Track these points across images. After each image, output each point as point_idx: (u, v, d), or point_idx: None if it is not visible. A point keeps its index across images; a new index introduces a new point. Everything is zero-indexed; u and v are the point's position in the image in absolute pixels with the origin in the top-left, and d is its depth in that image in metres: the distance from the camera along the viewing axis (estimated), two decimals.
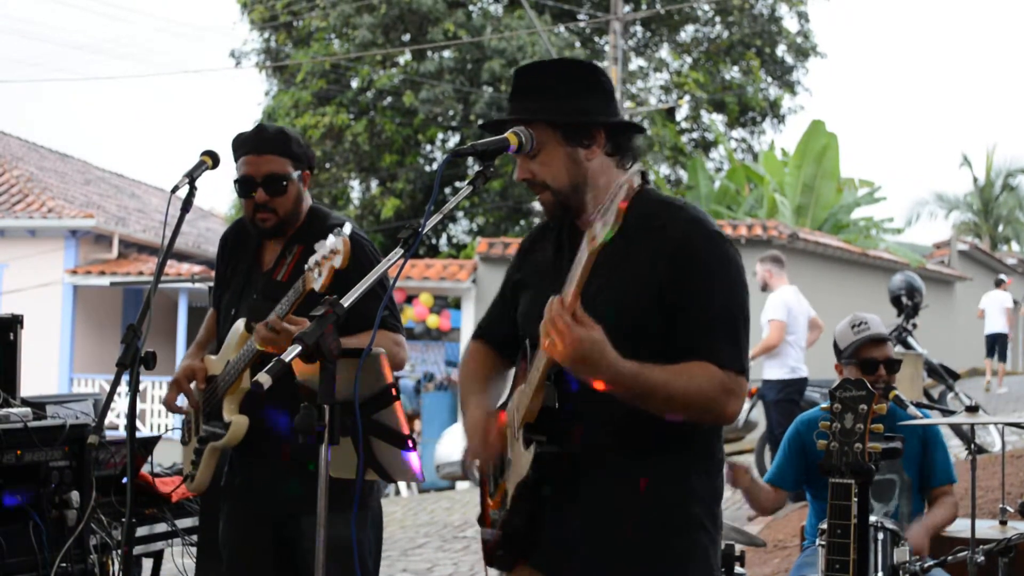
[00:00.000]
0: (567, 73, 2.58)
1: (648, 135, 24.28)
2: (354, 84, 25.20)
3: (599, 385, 2.24)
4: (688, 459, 2.46)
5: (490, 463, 2.58)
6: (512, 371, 2.69)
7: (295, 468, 3.23)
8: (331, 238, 2.84)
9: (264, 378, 2.19)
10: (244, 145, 3.38)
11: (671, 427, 2.39)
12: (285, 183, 3.36)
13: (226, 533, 3.48)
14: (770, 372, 8.92)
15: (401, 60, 25.78)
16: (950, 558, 3.84)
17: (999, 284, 18.14)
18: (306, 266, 2.97)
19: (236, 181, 3.38)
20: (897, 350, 9.53)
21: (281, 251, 3.43)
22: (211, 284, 3.70)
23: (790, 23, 27.78)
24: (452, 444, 16.18)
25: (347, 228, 2.88)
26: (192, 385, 3.45)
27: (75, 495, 3.71)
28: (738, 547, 3.96)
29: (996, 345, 17.46)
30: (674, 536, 2.43)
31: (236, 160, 3.41)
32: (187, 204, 3.26)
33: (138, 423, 3.43)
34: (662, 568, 2.42)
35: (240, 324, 3.36)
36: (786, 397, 8.83)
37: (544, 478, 2.40)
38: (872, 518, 3.67)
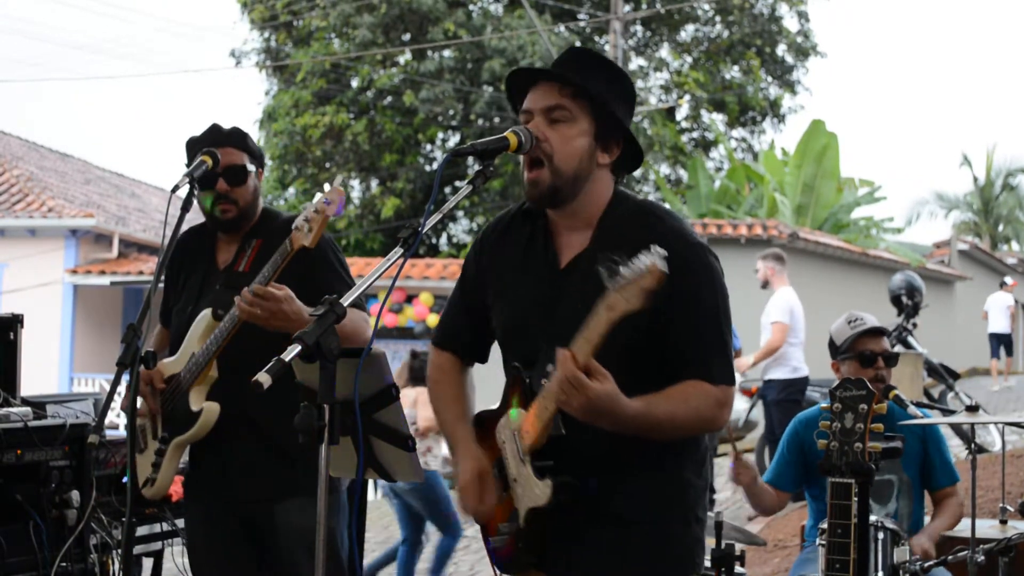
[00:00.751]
0: (618, 74, 2.57)
1: (648, 135, 24.29)
2: (354, 84, 25.19)
3: (611, 429, 2.33)
4: (680, 462, 2.56)
5: (483, 514, 2.60)
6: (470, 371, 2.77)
7: (267, 452, 3.25)
8: (326, 187, 2.91)
9: (264, 378, 2.18)
10: (201, 141, 3.43)
11: (660, 449, 2.50)
12: (245, 174, 3.40)
13: (194, 526, 3.48)
14: (772, 372, 8.91)
15: (401, 60, 25.78)
16: (950, 558, 3.84)
17: (1003, 286, 18.69)
18: (294, 226, 2.99)
19: (193, 180, 3.33)
20: (897, 350, 9.53)
21: (239, 247, 3.44)
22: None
23: (790, 23, 27.81)
24: None
25: (338, 179, 2.94)
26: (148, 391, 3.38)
27: (75, 494, 3.71)
28: (738, 547, 3.96)
29: (1000, 344, 17.97)
30: (673, 533, 2.54)
31: (192, 159, 3.41)
32: (187, 204, 3.28)
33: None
34: (670, 559, 2.53)
35: (204, 315, 3.32)
36: (788, 397, 8.84)
37: (560, 506, 2.45)
38: (872, 518, 3.66)
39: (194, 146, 3.44)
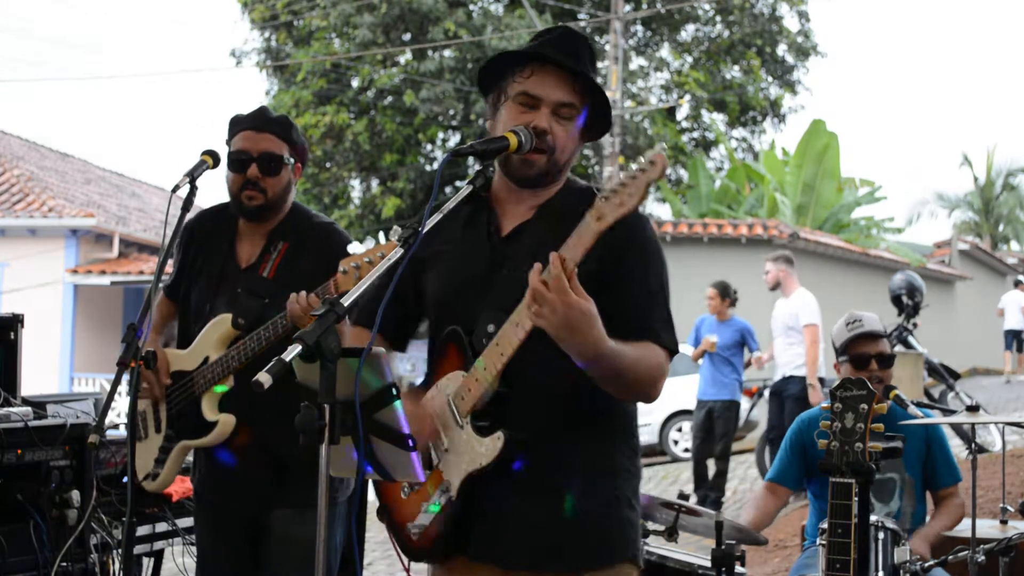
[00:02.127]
0: (591, 52, 2.56)
1: (649, 134, 24.28)
2: (355, 83, 25.19)
3: (580, 359, 2.25)
4: (614, 442, 2.53)
5: (423, 440, 2.47)
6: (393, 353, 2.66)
7: (271, 462, 3.25)
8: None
9: (264, 377, 2.18)
10: (244, 121, 3.34)
11: (601, 412, 2.48)
12: (280, 164, 3.32)
13: (202, 533, 3.47)
14: (797, 369, 9.01)
15: (402, 59, 25.78)
16: (951, 557, 3.84)
17: (1017, 284, 20.03)
18: (341, 268, 2.93)
19: (230, 155, 3.30)
20: (898, 349, 9.53)
21: (264, 246, 3.36)
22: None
23: (791, 22, 27.80)
24: None
25: (395, 233, 2.68)
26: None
27: (76, 494, 3.71)
28: (739, 546, 3.96)
29: (1015, 339, 19.51)
30: (607, 513, 2.48)
31: (232, 136, 3.35)
32: (188, 203, 3.24)
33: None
34: (603, 542, 2.48)
35: (224, 319, 3.27)
36: (801, 395, 8.92)
37: (506, 464, 2.38)
38: (873, 518, 3.66)
39: (237, 124, 3.35)
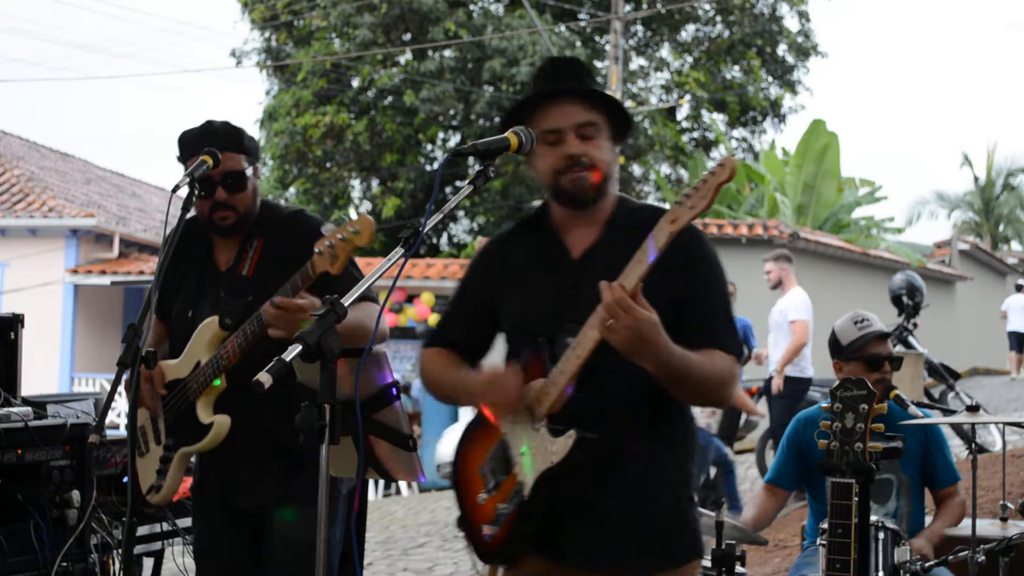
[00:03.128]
0: (584, 68, 2.70)
1: (649, 135, 24.28)
2: (355, 83, 25.19)
3: (649, 365, 2.37)
4: (684, 447, 2.66)
5: (511, 406, 2.53)
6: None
7: (270, 460, 3.24)
8: (353, 214, 2.86)
9: (264, 377, 2.18)
10: (196, 145, 3.29)
11: (673, 419, 2.62)
12: (244, 180, 3.31)
13: (204, 536, 3.46)
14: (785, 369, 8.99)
15: (402, 59, 25.79)
16: (951, 557, 3.84)
17: (1020, 289, 20.37)
18: (316, 250, 2.95)
19: (194, 180, 3.25)
20: (898, 349, 9.53)
21: (240, 247, 3.36)
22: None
23: (791, 22, 27.81)
24: (453, 443, 16.18)
25: (365, 206, 2.87)
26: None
27: (76, 494, 3.71)
28: (739, 546, 3.96)
29: (1019, 342, 19.83)
30: (680, 515, 2.62)
31: (186, 159, 3.32)
32: (188, 203, 3.25)
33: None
34: (677, 542, 2.61)
35: (211, 323, 3.27)
36: (789, 395, 8.89)
37: (579, 464, 2.46)
38: (873, 518, 3.66)
39: (187, 143, 3.33)
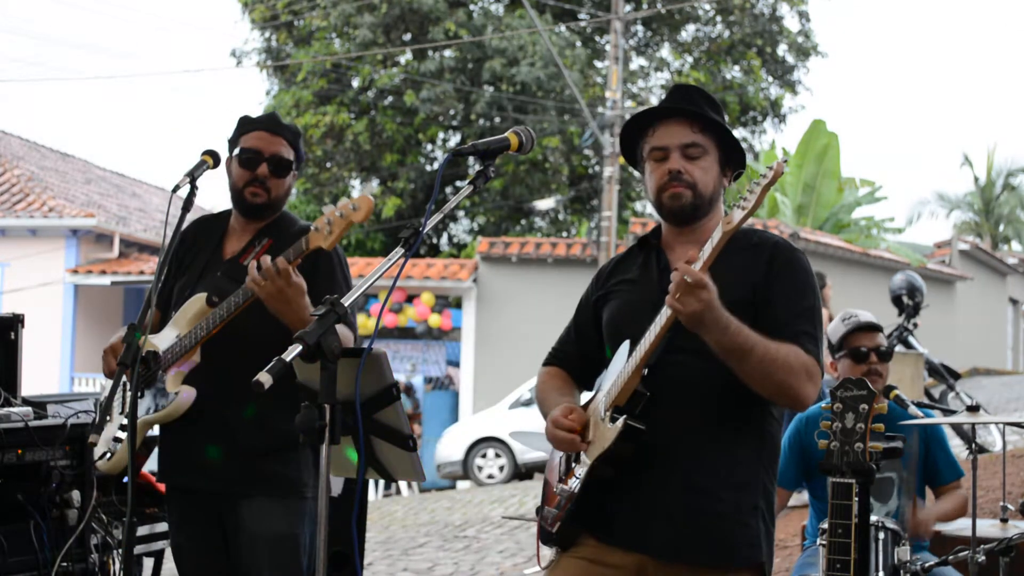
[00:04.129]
0: (717, 103, 2.80)
1: None
2: (355, 83, 25.20)
3: (708, 339, 2.46)
4: (757, 454, 2.69)
5: (565, 440, 2.66)
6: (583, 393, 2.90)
7: (235, 448, 3.22)
8: (354, 192, 2.88)
9: (265, 378, 2.18)
10: (257, 122, 3.40)
11: (745, 422, 2.65)
12: (287, 169, 3.38)
13: (172, 521, 3.42)
14: None
15: (402, 59, 25.79)
16: (951, 557, 3.84)
17: None
18: (313, 226, 2.98)
19: (242, 151, 3.34)
20: (898, 350, 9.53)
21: (250, 240, 3.40)
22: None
23: (791, 22, 27.82)
24: (452, 443, 16.21)
25: (371, 185, 2.91)
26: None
27: (76, 494, 3.72)
28: None
29: None
30: (739, 518, 2.63)
31: (243, 134, 3.39)
32: (188, 203, 3.24)
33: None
34: (731, 545, 2.62)
35: (198, 298, 3.28)
36: None
37: (627, 452, 2.55)
38: (873, 518, 3.66)
39: (249, 124, 3.40)
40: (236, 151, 3.37)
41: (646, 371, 2.58)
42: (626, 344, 2.65)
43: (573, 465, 2.70)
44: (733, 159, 2.80)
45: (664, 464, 2.60)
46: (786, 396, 2.59)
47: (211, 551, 3.31)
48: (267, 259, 3.04)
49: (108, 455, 3.32)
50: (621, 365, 2.63)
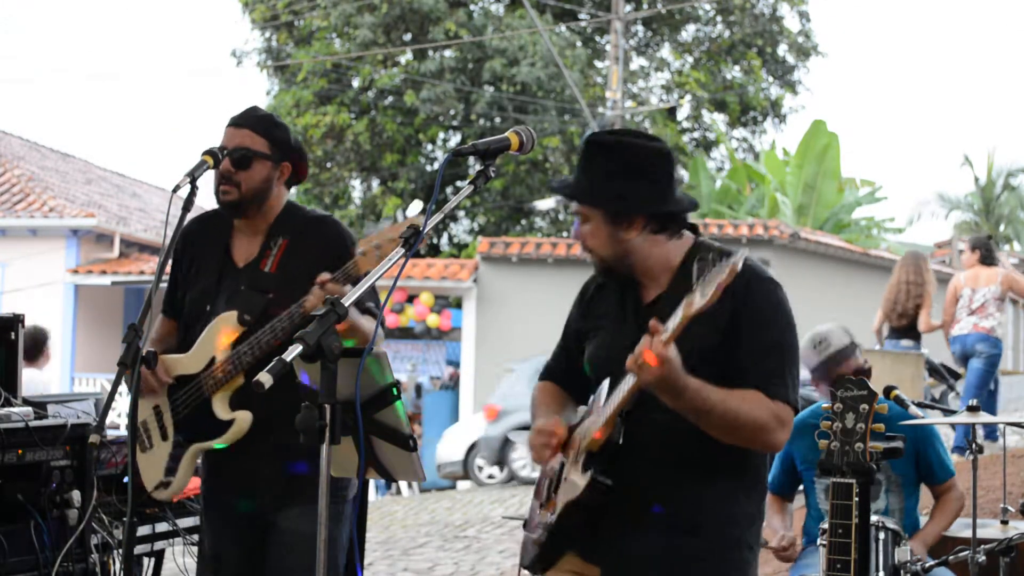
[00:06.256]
0: (621, 156, 2.74)
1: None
2: (355, 83, 25.20)
3: (669, 401, 2.49)
4: (739, 488, 2.70)
5: (545, 460, 2.74)
6: (579, 407, 2.93)
7: (280, 459, 3.21)
8: (399, 215, 2.88)
9: (265, 378, 2.19)
10: (229, 120, 3.34)
11: (723, 459, 2.65)
12: (251, 159, 3.27)
13: (212, 537, 3.41)
14: None
15: (402, 59, 25.80)
16: (951, 558, 3.84)
17: None
18: (360, 251, 2.95)
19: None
20: (898, 349, 9.51)
21: (263, 243, 3.34)
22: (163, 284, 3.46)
23: (791, 22, 27.81)
24: (453, 444, 16.21)
25: (414, 207, 2.88)
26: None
27: (76, 494, 3.71)
28: None
29: None
30: (725, 556, 2.67)
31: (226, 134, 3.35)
32: (188, 204, 3.23)
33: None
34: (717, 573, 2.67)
35: (228, 317, 3.23)
36: None
37: (596, 502, 2.59)
38: (873, 518, 3.67)
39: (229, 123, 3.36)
40: None
41: (619, 419, 2.61)
42: (606, 383, 2.68)
43: (553, 496, 2.73)
44: (630, 211, 2.75)
45: (642, 507, 2.65)
46: (755, 445, 2.63)
47: (250, 560, 3.30)
48: (319, 292, 3.01)
49: (163, 486, 3.29)
50: (602, 403, 2.66)
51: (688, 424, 2.57)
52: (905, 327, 9.22)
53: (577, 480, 2.61)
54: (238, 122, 3.31)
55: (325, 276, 3.02)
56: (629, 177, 2.74)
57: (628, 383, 2.53)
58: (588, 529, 2.68)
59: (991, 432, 8.75)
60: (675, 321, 2.43)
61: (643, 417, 2.61)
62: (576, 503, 2.61)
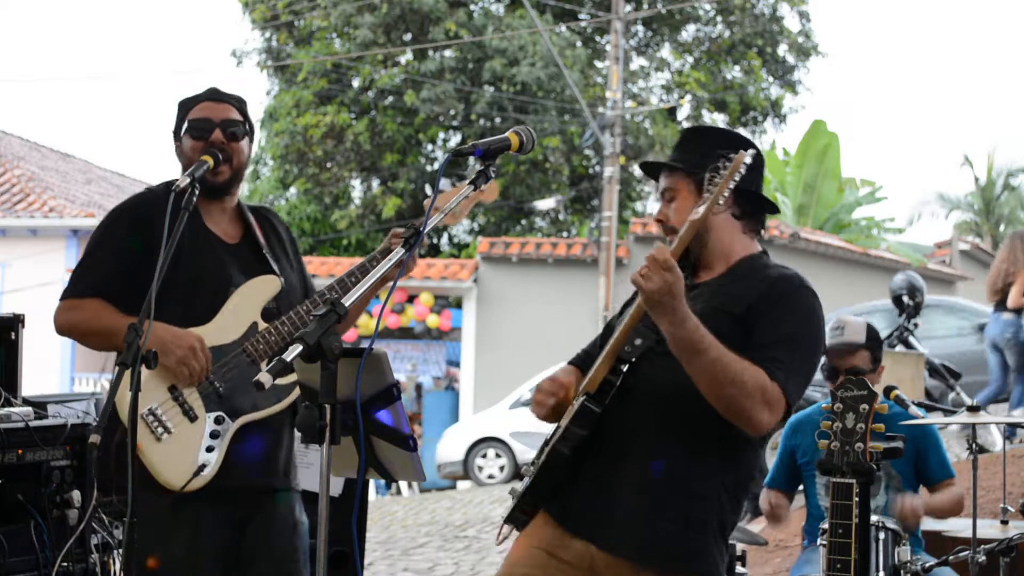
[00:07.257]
0: (719, 136, 2.86)
1: (649, 135, 24.29)
2: (355, 84, 25.20)
3: (663, 326, 2.50)
4: (718, 472, 2.68)
5: (544, 410, 2.76)
6: None
7: (289, 441, 3.20)
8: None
9: (265, 378, 2.19)
10: (198, 97, 3.25)
11: (714, 434, 2.63)
12: (243, 131, 3.23)
13: (193, 535, 3.19)
14: None
15: (402, 59, 25.79)
16: (951, 558, 3.84)
17: None
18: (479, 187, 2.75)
19: (190, 123, 3.18)
20: (899, 350, 9.53)
21: (244, 223, 3.29)
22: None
23: (791, 22, 27.79)
24: (453, 444, 16.22)
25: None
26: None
27: (76, 494, 3.71)
28: (739, 546, 3.97)
29: None
30: (685, 522, 2.63)
31: (187, 113, 3.24)
32: (188, 203, 3.22)
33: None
34: (673, 561, 2.62)
35: (269, 281, 3.17)
36: None
37: (581, 432, 2.60)
38: (874, 518, 3.67)
39: (190, 101, 3.26)
40: (184, 129, 3.22)
41: (626, 367, 2.62)
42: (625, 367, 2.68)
43: (545, 447, 2.74)
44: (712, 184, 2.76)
45: (624, 458, 2.64)
46: (734, 412, 2.57)
47: (227, 552, 3.15)
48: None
49: (201, 468, 3.07)
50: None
51: (691, 396, 2.55)
52: (1000, 302, 9.49)
53: (568, 412, 2.63)
54: (217, 97, 3.25)
55: (399, 231, 2.94)
56: (725, 155, 2.79)
57: (632, 308, 2.54)
58: (567, 481, 2.66)
59: (1011, 433, 8.84)
60: (681, 232, 2.46)
61: (647, 364, 2.61)
62: (563, 434, 2.61)
